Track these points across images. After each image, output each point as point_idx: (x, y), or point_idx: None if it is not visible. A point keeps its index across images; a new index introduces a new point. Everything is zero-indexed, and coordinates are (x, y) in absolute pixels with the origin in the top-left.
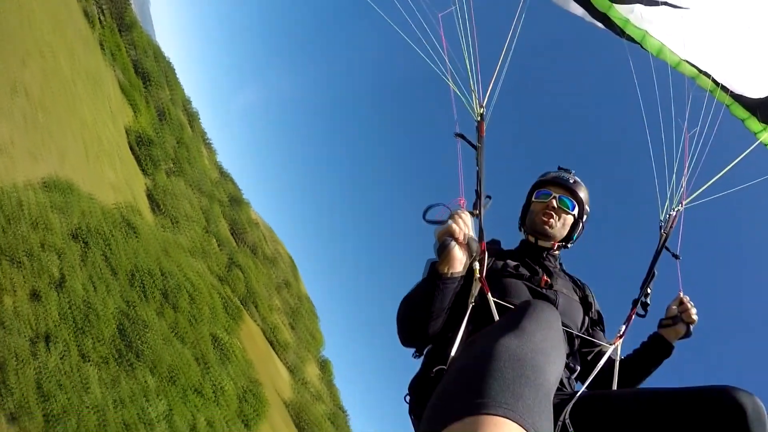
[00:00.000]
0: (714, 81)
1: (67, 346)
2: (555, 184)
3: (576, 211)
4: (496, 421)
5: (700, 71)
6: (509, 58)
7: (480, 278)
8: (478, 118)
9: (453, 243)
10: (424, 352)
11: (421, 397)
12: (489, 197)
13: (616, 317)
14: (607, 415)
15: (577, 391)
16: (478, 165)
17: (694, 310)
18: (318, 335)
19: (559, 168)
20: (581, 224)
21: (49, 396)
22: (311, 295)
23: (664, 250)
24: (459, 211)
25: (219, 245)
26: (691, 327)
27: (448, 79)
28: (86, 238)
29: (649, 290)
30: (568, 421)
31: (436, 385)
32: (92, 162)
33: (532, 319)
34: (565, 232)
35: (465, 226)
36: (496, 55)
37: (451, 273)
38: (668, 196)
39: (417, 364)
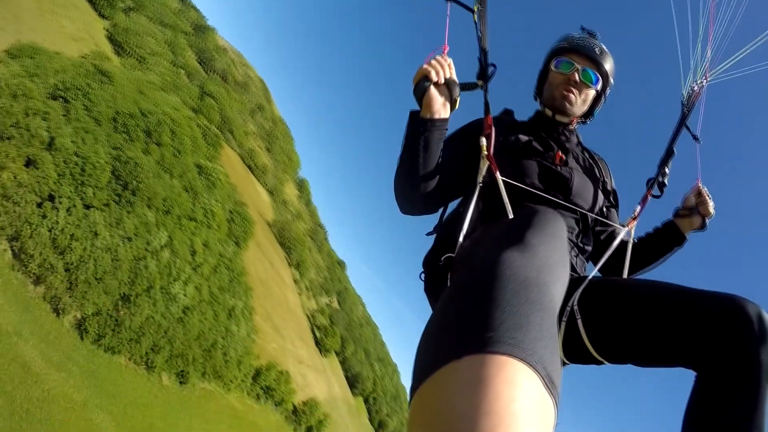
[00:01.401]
0: None
1: (71, 200)
2: (578, 52)
3: (599, 86)
4: (500, 361)
5: None
6: None
7: (487, 155)
8: None
9: (428, 84)
10: (436, 231)
11: (432, 280)
12: (493, 66)
13: (633, 197)
14: (614, 305)
15: (587, 276)
16: (479, 30)
17: (711, 204)
18: (294, 156)
19: (583, 29)
20: (603, 99)
21: (65, 249)
22: (285, 116)
23: (684, 129)
24: (436, 55)
25: (188, 76)
26: (707, 220)
27: None
28: (65, 94)
29: (666, 170)
30: (576, 307)
31: (445, 275)
32: (48, 17)
33: (536, 230)
34: (585, 108)
35: (442, 66)
36: None
37: (431, 116)
38: (692, 68)
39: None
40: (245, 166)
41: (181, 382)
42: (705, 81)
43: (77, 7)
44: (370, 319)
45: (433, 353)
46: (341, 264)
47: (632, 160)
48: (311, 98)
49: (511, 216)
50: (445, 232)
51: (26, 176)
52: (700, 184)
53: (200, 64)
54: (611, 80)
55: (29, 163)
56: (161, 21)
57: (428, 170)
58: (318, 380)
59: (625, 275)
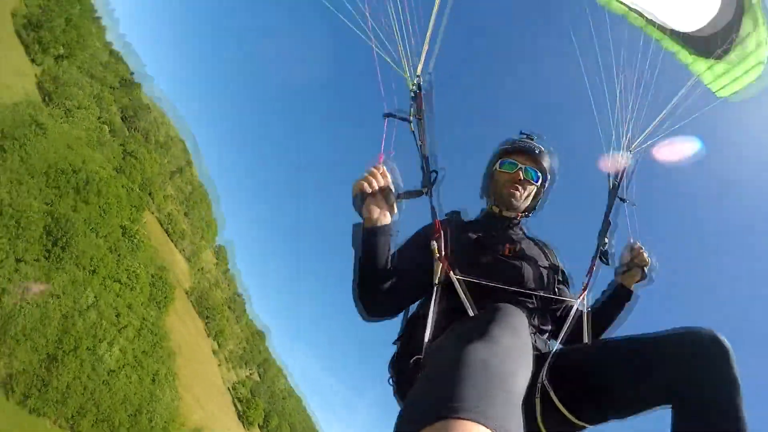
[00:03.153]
0: (645, 17)
1: (3, 252)
2: (520, 153)
3: (540, 182)
4: (467, 425)
5: (631, 8)
6: (444, 17)
7: (440, 257)
8: (415, 89)
9: (364, 196)
10: (400, 338)
11: (402, 382)
12: (435, 172)
13: (582, 269)
14: (583, 370)
15: (551, 351)
16: (419, 140)
17: (646, 254)
18: (212, 222)
19: (522, 133)
20: (545, 193)
21: None
22: (213, 174)
23: (619, 198)
24: (371, 166)
25: (112, 133)
26: (647, 270)
27: (374, 45)
28: (2, 143)
29: (607, 240)
30: (546, 382)
31: (415, 374)
32: None
33: (500, 325)
34: (528, 202)
35: (375, 177)
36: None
37: (372, 225)
38: (612, 142)
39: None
40: (163, 231)
41: None
42: (630, 154)
43: (10, 48)
44: (293, 391)
45: (409, 423)
46: (261, 334)
47: (577, 232)
48: (244, 156)
49: (471, 312)
50: (410, 335)
51: None
52: (631, 240)
53: (123, 120)
54: (551, 176)
55: None
56: (90, 72)
57: (381, 275)
58: None
59: (588, 341)
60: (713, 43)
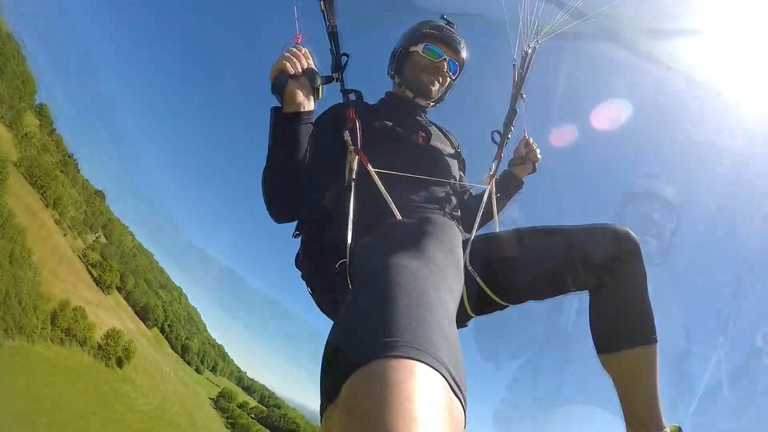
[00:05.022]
0: None
1: None
2: (446, 43)
3: (455, 76)
4: (408, 365)
5: None
6: None
7: (356, 149)
8: None
9: (285, 78)
10: (304, 230)
11: (319, 280)
12: (346, 55)
13: (479, 155)
14: (507, 254)
15: (469, 238)
16: (328, 19)
17: (538, 150)
18: (29, 79)
19: (444, 19)
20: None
21: None
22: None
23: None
24: (290, 46)
25: None
26: (536, 165)
27: None
28: None
29: (512, 128)
30: (470, 267)
31: (342, 280)
32: None
33: (434, 241)
34: (441, 93)
35: (297, 57)
36: None
37: (295, 110)
38: (519, 30)
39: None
40: None
41: None
42: (536, 43)
43: None
44: (142, 247)
45: (341, 363)
46: (100, 194)
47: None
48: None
49: (395, 210)
50: (322, 233)
51: None
52: (527, 136)
53: None
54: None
55: None
56: None
57: (299, 169)
58: (110, 317)
59: (496, 228)
60: None
